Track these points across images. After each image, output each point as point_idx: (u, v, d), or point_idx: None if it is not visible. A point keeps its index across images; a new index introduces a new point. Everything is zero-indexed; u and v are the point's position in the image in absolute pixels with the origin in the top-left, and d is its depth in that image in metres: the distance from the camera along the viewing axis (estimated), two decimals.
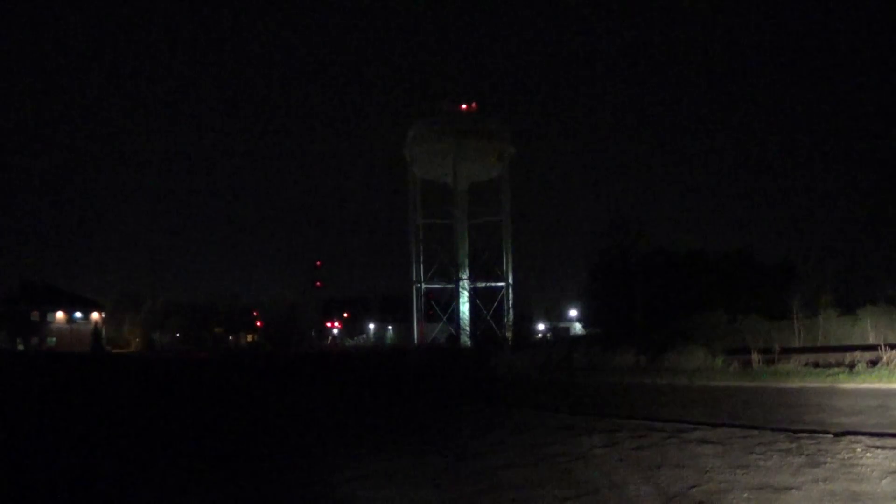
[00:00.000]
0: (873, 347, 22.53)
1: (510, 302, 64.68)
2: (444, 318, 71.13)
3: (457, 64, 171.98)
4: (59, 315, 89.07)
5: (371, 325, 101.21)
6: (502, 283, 69.77)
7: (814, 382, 19.93)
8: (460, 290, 68.18)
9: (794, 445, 9.42)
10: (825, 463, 8.32)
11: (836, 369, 21.34)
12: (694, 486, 7.54)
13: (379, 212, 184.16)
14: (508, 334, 45.94)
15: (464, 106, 73.40)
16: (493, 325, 57.74)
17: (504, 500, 7.42)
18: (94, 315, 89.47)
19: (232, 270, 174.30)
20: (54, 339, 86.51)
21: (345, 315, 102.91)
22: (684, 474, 8.08)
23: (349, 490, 8.06)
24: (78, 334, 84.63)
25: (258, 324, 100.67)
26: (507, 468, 8.81)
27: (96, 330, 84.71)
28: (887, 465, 8.08)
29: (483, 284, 69.49)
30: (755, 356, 24.00)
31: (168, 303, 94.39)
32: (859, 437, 9.79)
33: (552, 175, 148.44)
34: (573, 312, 73.02)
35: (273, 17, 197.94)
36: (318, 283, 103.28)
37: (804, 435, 10.19)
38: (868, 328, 27.75)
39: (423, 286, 72.58)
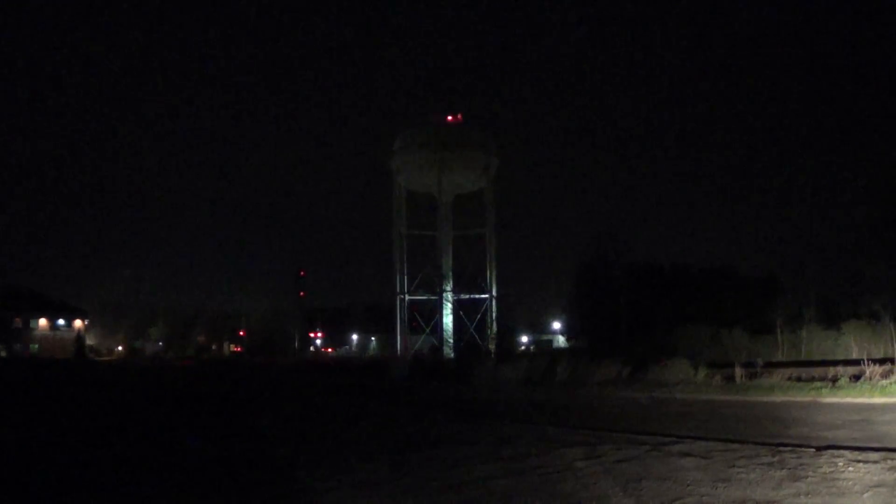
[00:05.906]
0: (856, 362, 22.61)
1: (494, 314, 64.58)
2: (428, 330, 70.91)
3: (443, 75, 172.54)
4: (42, 322, 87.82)
5: (354, 336, 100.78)
6: (486, 296, 69.58)
7: (796, 396, 19.97)
8: (444, 301, 67.97)
9: (776, 459, 9.42)
10: (807, 477, 8.32)
11: (819, 383, 21.40)
12: (675, 499, 7.51)
13: (363, 222, 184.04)
14: (491, 346, 45.79)
15: (449, 117, 73.28)
16: (477, 337, 57.67)
17: None
18: (78, 322, 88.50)
19: (216, 279, 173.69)
20: (37, 346, 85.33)
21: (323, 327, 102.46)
22: (666, 487, 8.05)
23: (332, 499, 8.00)
24: (61, 342, 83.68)
25: (241, 333, 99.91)
26: (489, 480, 8.77)
27: (79, 337, 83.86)
28: (869, 480, 8.09)
29: (467, 296, 69.35)
30: (738, 370, 24.03)
31: (151, 311, 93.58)
32: (841, 452, 9.81)
33: (536, 188, 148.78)
34: (556, 325, 73.04)
35: (260, 28, 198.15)
36: (302, 293, 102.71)
37: (786, 449, 10.20)
38: (851, 343, 27.93)
39: (407, 297, 72.31)
